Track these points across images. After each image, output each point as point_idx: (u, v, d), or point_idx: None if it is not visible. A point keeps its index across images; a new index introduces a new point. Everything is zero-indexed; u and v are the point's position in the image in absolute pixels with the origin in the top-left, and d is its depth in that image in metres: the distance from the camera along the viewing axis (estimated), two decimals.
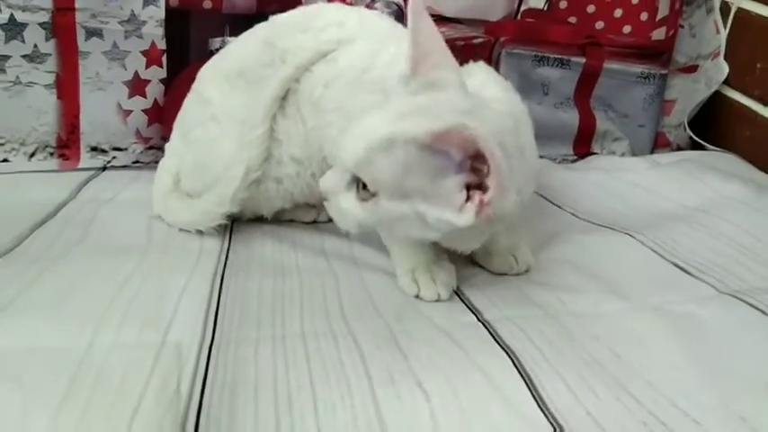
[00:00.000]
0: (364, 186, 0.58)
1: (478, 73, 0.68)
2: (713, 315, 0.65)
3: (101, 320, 0.61)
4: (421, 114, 0.55)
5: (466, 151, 0.53)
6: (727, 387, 0.55)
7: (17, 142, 0.90)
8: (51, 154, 0.92)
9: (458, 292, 0.70)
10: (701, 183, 0.92)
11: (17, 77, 0.88)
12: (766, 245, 0.77)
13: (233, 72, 0.77)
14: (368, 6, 0.96)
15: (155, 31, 0.91)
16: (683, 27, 1.12)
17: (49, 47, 0.88)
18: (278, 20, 0.77)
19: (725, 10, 1.08)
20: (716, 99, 1.09)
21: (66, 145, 0.92)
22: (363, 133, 0.57)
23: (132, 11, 0.89)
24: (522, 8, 1.03)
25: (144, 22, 0.90)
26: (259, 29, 0.78)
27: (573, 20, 1.04)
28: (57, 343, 0.58)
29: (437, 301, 0.68)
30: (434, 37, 0.61)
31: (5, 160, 0.91)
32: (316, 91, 0.72)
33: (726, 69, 1.07)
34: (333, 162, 0.72)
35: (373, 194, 0.58)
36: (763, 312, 0.65)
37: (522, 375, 0.56)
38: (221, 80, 0.78)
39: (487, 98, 0.62)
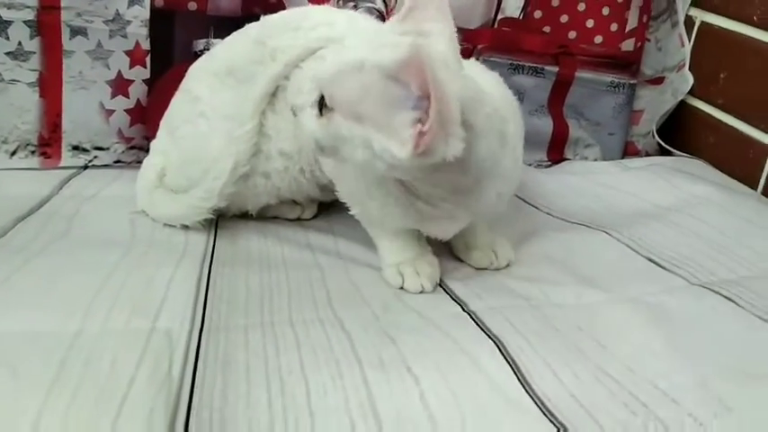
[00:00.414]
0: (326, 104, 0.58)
1: (473, 66, 0.71)
2: (687, 305, 0.68)
3: (89, 307, 0.61)
4: (396, 48, 0.55)
5: (424, 88, 0.52)
6: (703, 370, 0.57)
7: None
8: (33, 152, 0.91)
9: (442, 285, 0.71)
10: (670, 184, 0.96)
11: (0, 75, 0.88)
12: (733, 240, 0.80)
13: (223, 70, 0.78)
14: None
15: (139, 31, 0.91)
16: (649, 41, 1.17)
17: (33, 45, 0.88)
18: (268, 20, 0.78)
19: (689, 23, 1.13)
20: (682, 108, 1.14)
21: (48, 143, 0.91)
22: (341, 57, 0.58)
23: (117, 10, 0.90)
24: (499, 17, 1.06)
25: (129, 22, 0.90)
26: (250, 28, 0.79)
27: (547, 29, 1.08)
28: (45, 328, 0.58)
29: (421, 292, 0.69)
30: None
31: None
32: (304, 86, 0.73)
33: (691, 80, 1.12)
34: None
35: (330, 110, 0.58)
36: (733, 301, 0.68)
37: (508, 361, 0.58)
38: (211, 77, 0.79)
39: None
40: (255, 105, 0.74)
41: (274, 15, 0.79)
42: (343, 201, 0.73)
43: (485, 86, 0.64)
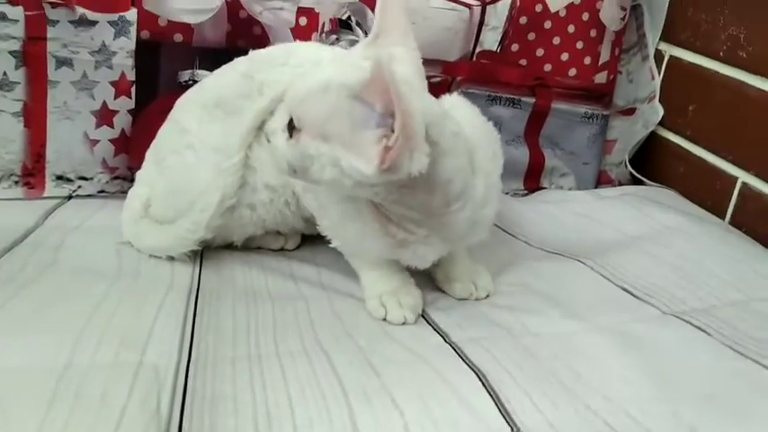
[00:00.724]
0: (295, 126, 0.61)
1: (452, 98, 0.73)
2: (659, 334, 0.71)
3: (77, 340, 0.62)
4: (361, 70, 0.58)
5: (387, 107, 0.55)
6: (675, 399, 0.60)
7: None
8: (16, 182, 0.91)
9: (424, 316, 0.73)
10: (642, 213, 0.99)
11: None
12: (702, 269, 0.83)
13: (211, 102, 0.79)
14: (332, 45, 1.00)
15: (125, 62, 0.92)
16: (620, 73, 1.21)
17: (18, 75, 0.89)
18: (257, 55, 0.80)
19: (658, 57, 1.18)
20: (653, 138, 1.18)
21: (32, 173, 0.91)
22: (308, 80, 0.61)
23: (103, 41, 0.91)
24: (477, 50, 1.09)
25: (114, 53, 0.91)
26: (238, 62, 0.81)
27: (523, 62, 1.11)
28: (34, 362, 0.59)
29: (404, 324, 0.71)
30: (400, 18, 0.67)
31: None
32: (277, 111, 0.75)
33: (661, 111, 1.16)
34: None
35: (299, 131, 0.61)
36: (703, 331, 0.71)
37: (488, 392, 0.60)
38: (199, 110, 0.80)
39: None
40: (242, 139, 0.75)
41: (262, 51, 0.81)
42: (324, 234, 0.75)
43: (461, 116, 0.67)
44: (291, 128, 0.62)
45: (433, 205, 0.65)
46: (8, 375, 0.57)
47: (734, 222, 1.01)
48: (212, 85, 0.81)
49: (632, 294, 0.79)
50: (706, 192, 1.06)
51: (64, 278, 0.73)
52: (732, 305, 0.77)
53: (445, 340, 0.68)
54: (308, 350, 0.64)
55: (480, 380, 0.61)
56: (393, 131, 0.55)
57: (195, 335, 0.65)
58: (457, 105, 0.72)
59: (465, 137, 0.65)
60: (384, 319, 0.71)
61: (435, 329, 0.70)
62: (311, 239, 0.87)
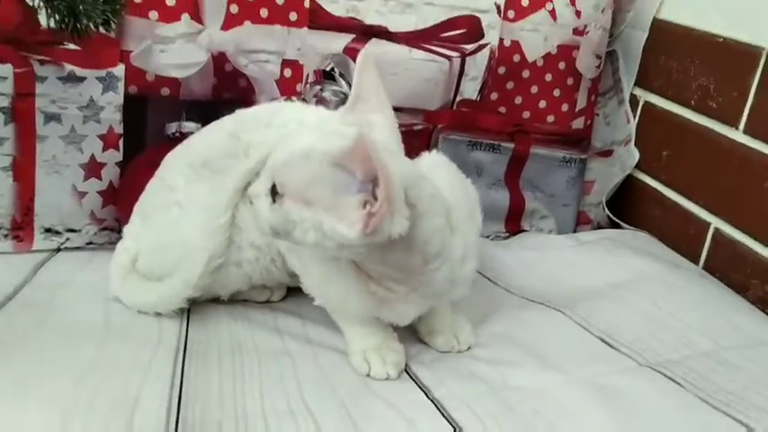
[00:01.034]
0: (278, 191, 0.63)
1: (430, 157, 0.76)
2: (635, 386, 0.73)
3: (68, 408, 0.62)
4: (341, 137, 0.61)
5: (367, 174, 0.58)
6: None
7: None
8: (5, 236, 0.92)
9: (407, 370, 0.75)
10: (619, 260, 1.02)
11: None
12: (676, 318, 0.86)
13: (198, 161, 0.81)
14: (316, 96, 1.03)
15: (113, 116, 0.94)
16: (598, 115, 1.25)
17: (7, 131, 0.90)
18: (243, 114, 0.83)
19: (634, 102, 1.22)
20: (630, 181, 1.21)
21: (21, 227, 0.92)
22: (291, 146, 0.64)
23: (91, 97, 0.92)
24: (458, 99, 1.12)
25: (102, 108, 0.93)
26: (225, 121, 0.83)
27: (503, 110, 1.14)
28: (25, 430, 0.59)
29: (387, 379, 0.73)
30: (376, 86, 0.70)
31: None
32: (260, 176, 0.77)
33: (636, 155, 1.19)
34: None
35: (281, 196, 0.63)
36: (676, 382, 0.74)
37: None
38: (186, 168, 0.82)
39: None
40: (228, 200, 0.77)
41: (248, 110, 0.83)
42: (307, 292, 0.77)
43: (439, 176, 0.70)
44: (274, 192, 0.64)
45: (411, 264, 0.67)
46: None
47: (707, 267, 1.04)
48: (199, 145, 0.83)
49: (609, 345, 0.82)
50: (681, 236, 1.09)
51: (53, 342, 0.73)
52: (705, 355, 0.79)
53: (427, 396, 0.70)
54: (294, 410, 0.66)
55: None
56: (375, 197, 0.58)
57: (183, 396, 0.66)
58: (435, 165, 0.75)
59: (442, 197, 0.68)
60: (368, 375, 0.73)
61: (418, 384, 0.72)
62: (297, 290, 0.88)
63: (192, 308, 0.83)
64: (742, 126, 0.99)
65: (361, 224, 0.59)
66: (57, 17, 0.87)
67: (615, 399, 0.71)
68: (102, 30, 0.89)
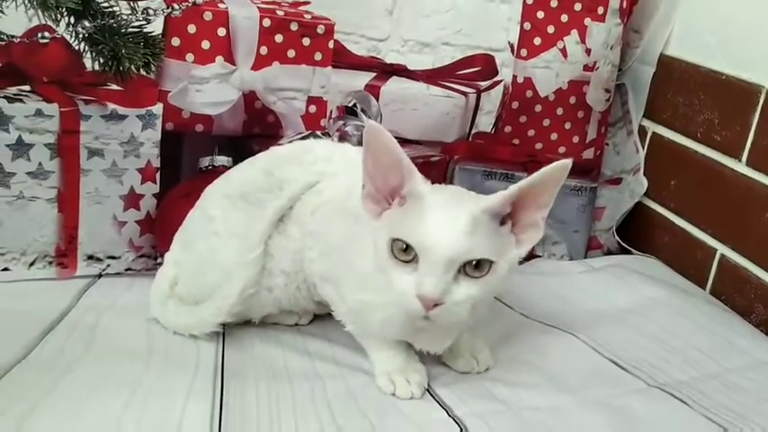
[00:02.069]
0: (476, 266, 0.68)
1: None
2: (645, 407, 0.78)
3: (118, 428, 0.67)
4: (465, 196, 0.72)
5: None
6: None
7: (18, 252, 0.96)
8: (50, 263, 0.98)
9: (430, 391, 0.79)
10: (629, 286, 1.07)
11: (21, 192, 0.96)
12: (683, 341, 0.91)
13: (235, 194, 0.87)
14: (339, 130, 1.09)
15: (151, 151, 1.00)
16: (608, 145, 1.30)
17: (52, 165, 0.96)
18: (276, 152, 0.89)
19: (642, 133, 1.27)
20: (639, 209, 1.26)
21: (65, 254, 0.98)
22: (443, 227, 0.67)
23: (132, 133, 0.99)
24: (473, 131, 1.18)
25: (142, 144, 0.99)
26: (260, 158, 0.89)
27: (516, 141, 1.20)
28: None
29: (411, 398, 0.78)
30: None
31: (6, 269, 0.97)
32: (302, 217, 0.84)
33: (645, 183, 1.25)
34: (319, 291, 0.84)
35: (490, 265, 0.69)
36: (684, 402, 0.79)
37: None
38: (224, 200, 0.88)
39: None
40: (262, 234, 0.83)
41: (281, 148, 0.90)
42: (339, 319, 0.83)
43: None
44: (472, 269, 0.69)
45: None
46: None
47: (714, 292, 1.09)
48: (236, 179, 0.89)
49: (621, 367, 0.86)
50: (688, 262, 1.14)
51: (100, 363, 0.78)
52: (711, 377, 0.84)
53: (449, 414, 0.75)
54: (325, 430, 0.71)
55: None
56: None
57: (223, 417, 0.71)
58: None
59: None
60: (393, 395, 0.78)
61: (440, 404, 0.77)
62: (322, 316, 0.94)
63: (227, 330, 0.88)
64: (744, 158, 1.04)
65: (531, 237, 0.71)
66: (101, 60, 0.95)
67: (625, 418, 0.75)
68: (142, 72, 0.97)
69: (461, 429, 0.72)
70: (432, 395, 0.79)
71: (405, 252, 0.69)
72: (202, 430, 0.69)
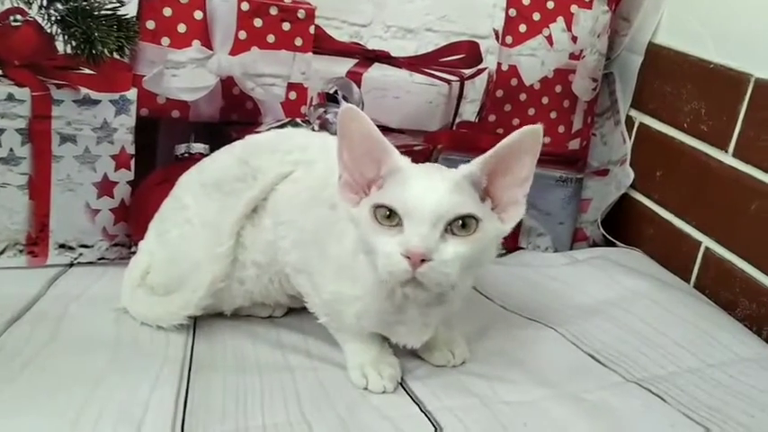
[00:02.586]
0: (463, 225, 0.66)
1: None
2: (622, 402, 0.76)
3: (77, 419, 0.66)
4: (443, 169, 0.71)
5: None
6: None
7: None
8: (21, 251, 0.96)
9: (403, 384, 0.78)
10: (611, 279, 1.05)
11: None
12: (663, 335, 0.89)
13: (210, 183, 0.85)
14: (320, 117, 1.07)
15: (125, 137, 0.98)
16: (595, 135, 1.28)
17: (24, 151, 0.94)
18: (252, 140, 0.87)
19: (629, 123, 1.25)
20: (625, 200, 1.24)
21: (36, 242, 0.97)
22: (427, 188, 0.66)
23: (105, 119, 0.97)
24: (457, 120, 1.16)
25: (115, 129, 0.97)
26: (236, 146, 0.87)
27: (500, 131, 1.17)
28: None
29: (384, 392, 0.76)
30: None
31: None
32: (277, 206, 0.82)
33: (631, 175, 1.23)
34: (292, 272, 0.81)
35: (478, 221, 0.67)
36: (660, 398, 0.77)
37: None
38: (198, 188, 0.86)
39: None
40: (233, 226, 0.81)
41: (257, 136, 0.88)
42: (312, 311, 0.81)
43: None
44: (459, 228, 0.66)
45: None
46: None
47: (698, 285, 1.07)
48: (211, 167, 0.87)
49: (598, 361, 0.85)
50: (673, 254, 1.12)
51: (65, 354, 0.77)
52: (690, 372, 0.83)
53: (421, 409, 0.73)
54: (293, 422, 0.69)
55: None
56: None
57: (187, 409, 0.70)
58: None
59: None
60: (365, 389, 0.76)
61: (412, 398, 0.76)
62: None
63: (198, 322, 0.86)
64: (731, 149, 1.02)
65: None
66: (73, 43, 0.92)
67: (601, 413, 0.74)
68: (116, 55, 0.94)
69: (433, 424, 0.71)
70: (405, 389, 0.77)
71: (389, 218, 0.66)
72: (165, 422, 0.67)
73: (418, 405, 0.74)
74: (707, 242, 1.07)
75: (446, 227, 0.65)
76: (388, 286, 0.70)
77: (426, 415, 0.72)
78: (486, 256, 0.70)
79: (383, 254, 0.65)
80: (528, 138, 0.67)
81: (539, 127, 0.66)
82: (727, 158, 1.03)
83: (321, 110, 1.08)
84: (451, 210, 0.65)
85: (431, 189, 0.66)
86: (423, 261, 0.63)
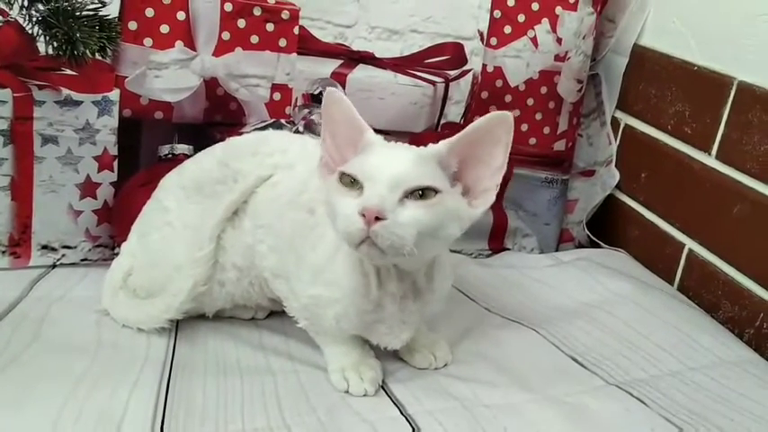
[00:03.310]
0: (422, 195, 0.66)
1: None
2: (602, 405, 0.76)
3: (56, 422, 0.66)
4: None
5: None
6: None
7: None
8: (3, 252, 0.96)
9: (384, 387, 0.78)
10: (595, 281, 1.05)
11: None
12: (646, 339, 0.90)
13: (191, 185, 0.85)
14: (304, 118, 1.07)
15: (108, 138, 0.98)
16: (581, 136, 1.28)
17: (5, 152, 0.94)
18: (232, 142, 0.86)
19: (615, 124, 1.25)
20: (610, 201, 1.25)
21: (18, 243, 0.96)
22: (389, 158, 0.68)
23: (87, 120, 0.96)
24: (442, 122, 1.16)
25: (98, 131, 0.97)
26: (216, 148, 0.87)
27: None
28: None
29: (365, 395, 0.76)
30: None
31: None
32: (257, 209, 0.82)
33: (617, 176, 1.23)
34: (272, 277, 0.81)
35: (438, 192, 0.66)
36: (642, 402, 0.77)
37: None
38: (179, 191, 0.86)
39: None
40: (213, 230, 0.81)
41: (238, 138, 0.87)
42: (291, 315, 0.81)
43: None
44: (418, 196, 0.66)
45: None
46: None
47: (682, 287, 1.07)
48: (192, 169, 0.87)
49: (581, 364, 0.85)
50: (657, 256, 1.13)
51: (46, 355, 0.77)
52: (671, 375, 0.83)
53: (401, 412, 0.73)
54: (273, 427, 0.69)
55: None
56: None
57: (167, 411, 0.70)
58: None
59: None
60: (346, 392, 0.76)
61: (393, 401, 0.76)
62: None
63: (180, 324, 0.86)
64: (714, 152, 1.03)
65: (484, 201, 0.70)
66: (55, 44, 0.92)
67: (582, 417, 0.74)
68: (98, 56, 0.94)
69: (413, 428, 0.71)
70: (386, 392, 0.77)
71: (352, 184, 0.67)
72: (144, 424, 0.67)
73: (399, 408, 0.74)
74: (690, 244, 1.07)
75: (405, 195, 0.65)
76: (362, 278, 0.72)
77: (407, 418, 0.72)
78: (445, 231, 0.68)
79: (342, 215, 0.66)
80: (497, 127, 0.68)
81: (507, 114, 0.67)
82: (710, 161, 1.04)
83: (306, 111, 1.07)
84: (411, 179, 0.66)
85: (393, 158, 0.68)
86: (377, 219, 0.63)
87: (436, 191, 0.66)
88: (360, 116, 0.71)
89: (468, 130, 0.68)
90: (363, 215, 0.63)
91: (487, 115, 0.68)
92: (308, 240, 0.77)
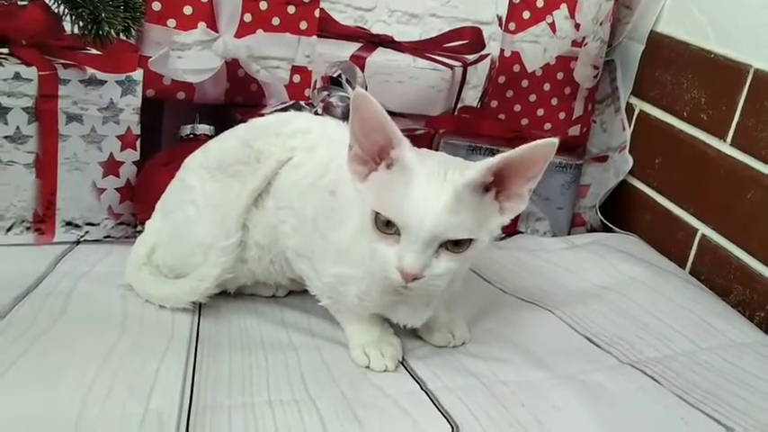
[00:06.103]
0: (456, 242, 0.67)
1: None
2: (616, 383, 0.78)
3: (88, 393, 0.68)
4: (450, 166, 0.68)
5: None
6: None
7: None
8: (28, 228, 0.98)
9: (404, 363, 0.80)
10: (608, 263, 1.07)
11: None
12: (659, 320, 0.91)
13: (214, 165, 0.86)
14: (323, 101, 1.08)
15: (131, 118, 0.99)
16: (595, 122, 1.29)
17: (30, 129, 0.95)
18: (255, 123, 0.87)
19: (629, 110, 1.26)
20: (623, 187, 1.26)
21: (42, 220, 0.98)
22: (425, 205, 0.66)
23: (111, 99, 0.98)
24: (459, 105, 1.17)
25: (121, 110, 0.98)
26: (239, 129, 0.88)
27: (502, 117, 1.19)
28: (48, 416, 0.64)
29: (385, 371, 0.78)
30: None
31: None
32: (279, 191, 0.83)
33: (630, 162, 1.24)
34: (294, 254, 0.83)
35: (470, 241, 0.68)
36: (655, 380, 0.79)
37: None
38: (203, 170, 0.87)
39: None
40: (239, 218, 0.83)
41: (261, 119, 0.88)
42: (314, 293, 0.83)
43: None
44: (451, 246, 0.68)
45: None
46: (23, 426, 0.63)
47: (694, 271, 1.09)
48: (215, 149, 0.88)
49: (594, 344, 0.87)
50: (670, 240, 1.14)
51: (74, 329, 0.79)
52: (684, 355, 0.85)
53: (421, 387, 0.75)
54: (298, 399, 0.71)
55: (452, 427, 0.69)
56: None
57: (195, 383, 0.72)
58: None
59: None
60: (367, 367, 0.78)
61: (413, 377, 0.78)
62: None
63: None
64: (729, 138, 1.04)
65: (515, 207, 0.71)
66: (80, 24, 0.93)
67: (596, 394, 0.76)
68: (122, 36, 0.95)
69: (433, 402, 0.73)
70: (406, 368, 0.79)
71: (387, 226, 0.68)
72: (173, 395, 0.69)
73: (419, 383, 0.76)
74: (703, 229, 1.08)
75: (441, 245, 0.67)
76: None
77: (427, 393, 0.74)
78: (477, 260, 0.72)
79: (381, 259, 0.69)
80: (542, 149, 0.67)
81: (555, 141, 0.66)
82: (725, 147, 1.05)
83: (325, 93, 1.09)
84: (448, 232, 0.66)
85: (430, 205, 0.66)
86: (415, 279, 0.67)
87: (471, 240, 0.68)
88: (392, 122, 0.69)
89: (512, 156, 0.67)
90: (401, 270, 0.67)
91: (535, 143, 0.66)
92: (331, 221, 0.78)
